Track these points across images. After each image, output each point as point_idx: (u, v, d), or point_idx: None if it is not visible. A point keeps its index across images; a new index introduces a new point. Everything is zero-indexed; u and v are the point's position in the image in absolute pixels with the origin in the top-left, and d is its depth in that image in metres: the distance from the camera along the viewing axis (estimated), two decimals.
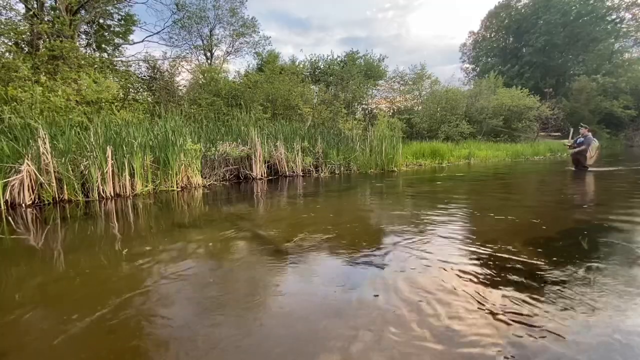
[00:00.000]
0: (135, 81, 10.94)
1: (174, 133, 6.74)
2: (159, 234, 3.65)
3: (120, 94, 9.42)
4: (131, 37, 13.86)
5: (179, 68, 12.35)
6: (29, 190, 5.16)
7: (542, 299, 1.90)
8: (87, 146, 5.66)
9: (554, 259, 2.49)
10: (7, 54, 8.18)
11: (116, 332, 1.68)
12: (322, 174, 9.22)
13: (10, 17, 8.94)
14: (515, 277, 2.19)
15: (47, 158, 5.30)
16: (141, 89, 11.25)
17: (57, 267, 2.72)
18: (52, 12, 10.44)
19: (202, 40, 16.14)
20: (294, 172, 8.86)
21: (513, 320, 1.68)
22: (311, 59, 18.16)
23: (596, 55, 32.06)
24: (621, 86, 27.86)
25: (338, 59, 18.36)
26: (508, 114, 18.50)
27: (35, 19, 9.37)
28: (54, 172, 5.37)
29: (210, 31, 16.07)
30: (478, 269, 2.35)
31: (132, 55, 12.56)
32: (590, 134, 8.79)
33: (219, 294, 2.10)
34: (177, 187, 6.66)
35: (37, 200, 5.30)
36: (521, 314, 1.74)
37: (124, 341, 1.61)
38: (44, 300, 2.11)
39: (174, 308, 1.93)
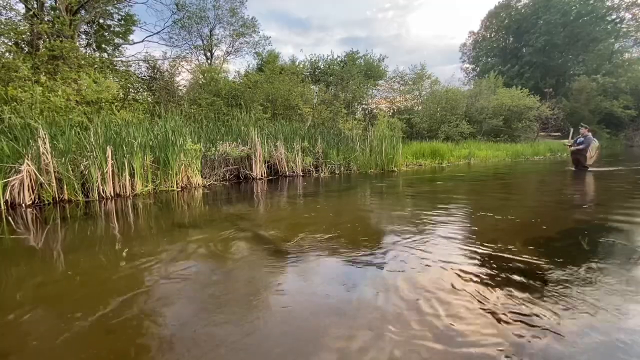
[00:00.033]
0: (135, 81, 10.94)
1: (174, 133, 6.74)
2: (159, 234, 3.65)
3: (120, 94, 9.42)
4: (131, 37, 13.89)
5: (179, 68, 12.36)
6: (29, 190, 5.16)
7: (543, 298, 1.90)
8: (87, 146, 5.66)
9: (554, 258, 2.49)
10: (7, 54, 8.18)
11: (116, 332, 1.68)
12: (322, 174, 9.21)
13: (10, 17, 8.95)
14: (515, 277, 2.19)
15: (47, 158, 5.30)
16: (141, 89, 11.25)
17: (57, 267, 2.72)
18: (52, 12, 10.44)
19: (202, 40, 16.15)
20: (294, 172, 8.86)
21: (514, 320, 1.68)
22: (311, 59, 18.18)
23: (596, 55, 32.06)
24: (621, 86, 27.87)
25: (338, 59, 18.36)
26: (508, 114, 18.48)
27: (35, 19, 9.37)
28: (54, 172, 5.37)
29: (210, 31, 16.09)
30: (478, 269, 2.35)
31: (132, 55, 12.59)
32: (590, 134, 8.79)
33: (219, 294, 2.10)
34: (177, 187, 6.66)
35: (37, 200, 5.30)
36: (522, 314, 1.74)
37: (124, 341, 1.61)
38: (44, 300, 2.11)
39: (174, 308, 1.93)
